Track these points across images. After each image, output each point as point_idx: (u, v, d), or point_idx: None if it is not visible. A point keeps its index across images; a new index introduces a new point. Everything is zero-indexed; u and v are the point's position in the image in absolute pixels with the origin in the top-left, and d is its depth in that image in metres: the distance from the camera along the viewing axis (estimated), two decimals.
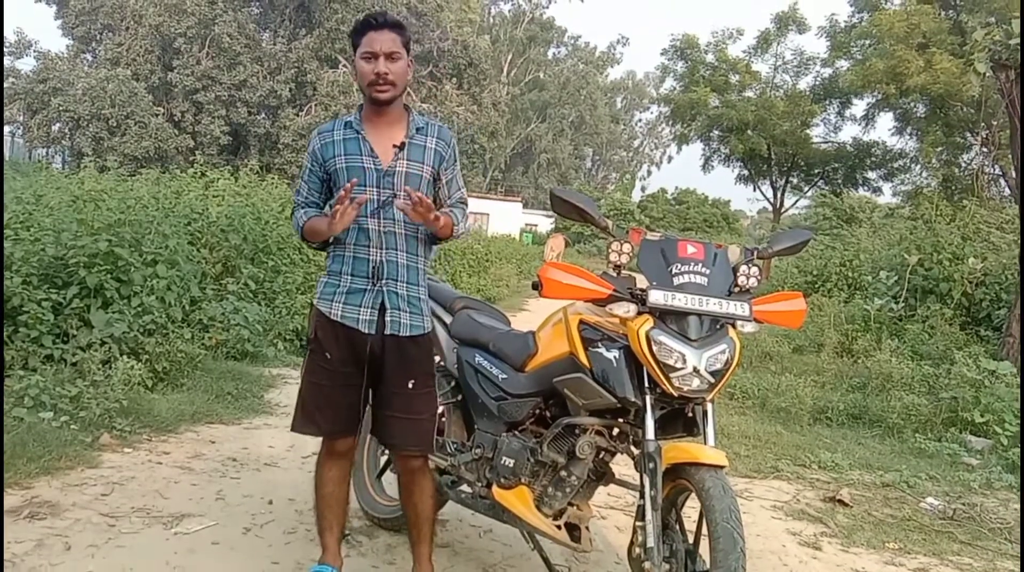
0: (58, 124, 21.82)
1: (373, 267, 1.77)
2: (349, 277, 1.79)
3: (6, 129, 22.85)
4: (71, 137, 21.42)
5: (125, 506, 2.39)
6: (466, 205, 1.91)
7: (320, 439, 1.92)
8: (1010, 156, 10.27)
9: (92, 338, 3.52)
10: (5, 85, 20.69)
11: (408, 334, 1.80)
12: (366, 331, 1.77)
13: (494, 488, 2.00)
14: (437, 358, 2.36)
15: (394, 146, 1.76)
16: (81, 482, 2.55)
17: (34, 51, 23.55)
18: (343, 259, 1.80)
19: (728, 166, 22.60)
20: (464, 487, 2.13)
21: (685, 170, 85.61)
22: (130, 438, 3.06)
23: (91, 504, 2.38)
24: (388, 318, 1.78)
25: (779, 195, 22.31)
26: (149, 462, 2.86)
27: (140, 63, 22.24)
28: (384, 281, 1.78)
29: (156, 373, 3.71)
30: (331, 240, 1.81)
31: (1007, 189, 13.45)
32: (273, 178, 8.69)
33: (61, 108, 20.65)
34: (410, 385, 1.82)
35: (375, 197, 1.75)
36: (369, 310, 1.77)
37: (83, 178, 6.09)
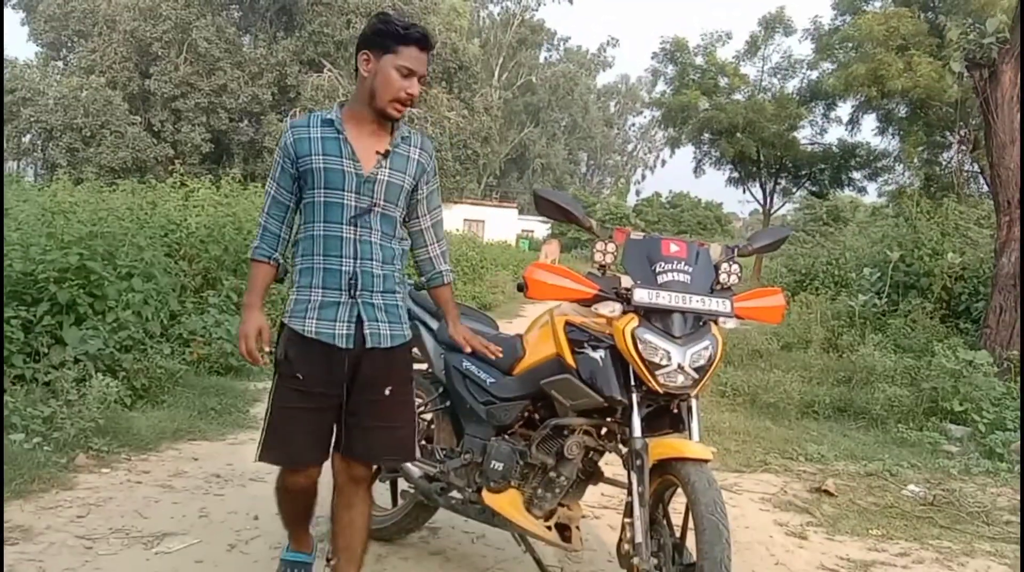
0: (29, 135, 21.34)
1: (348, 279, 1.66)
2: (320, 290, 1.67)
3: None
4: (43, 149, 20.98)
5: (103, 527, 2.32)
6: (442, 224, 1.89)
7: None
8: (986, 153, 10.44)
9: (65, 356, 3.42)
10: None
11: (390, 345, 1.71)
12: (343, 346, 1.66)
13: (484, 492, 1.99)
14: (424, 365, 2.34)
15: (377, 153, 1.69)
16: (55, 504, 2.47)
17: None
18: (313, 271, 1.68)
19: (719, 169, 22.81)
20: (454, 493, 2.11)
21: (678, 173, 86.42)
22: (108, 458, 2.98)
23: (66, 527, 2.31)
24: (367, 331, 1.67)
25: (768, 197, 22.56)
26: (128, 482, 2.78)
27: (115, 70, 21.77)
28: (359, 292, 1.67)
29: (135, 390, 3.62)
30: (297, 252, 1.72)
31: (985, 185, 13.72)
32: (257, 186, 8.51)
33: (32, 119, 20.19)
34: (387, 392, 1.72)
35: (353, 203, 1.67)
36: (345, 324, 1.66)
37: (55, 190, 5.95)
